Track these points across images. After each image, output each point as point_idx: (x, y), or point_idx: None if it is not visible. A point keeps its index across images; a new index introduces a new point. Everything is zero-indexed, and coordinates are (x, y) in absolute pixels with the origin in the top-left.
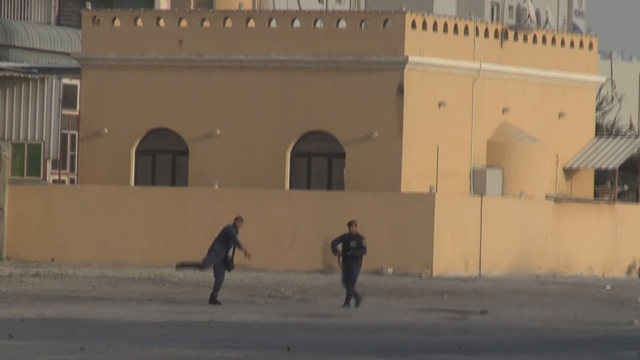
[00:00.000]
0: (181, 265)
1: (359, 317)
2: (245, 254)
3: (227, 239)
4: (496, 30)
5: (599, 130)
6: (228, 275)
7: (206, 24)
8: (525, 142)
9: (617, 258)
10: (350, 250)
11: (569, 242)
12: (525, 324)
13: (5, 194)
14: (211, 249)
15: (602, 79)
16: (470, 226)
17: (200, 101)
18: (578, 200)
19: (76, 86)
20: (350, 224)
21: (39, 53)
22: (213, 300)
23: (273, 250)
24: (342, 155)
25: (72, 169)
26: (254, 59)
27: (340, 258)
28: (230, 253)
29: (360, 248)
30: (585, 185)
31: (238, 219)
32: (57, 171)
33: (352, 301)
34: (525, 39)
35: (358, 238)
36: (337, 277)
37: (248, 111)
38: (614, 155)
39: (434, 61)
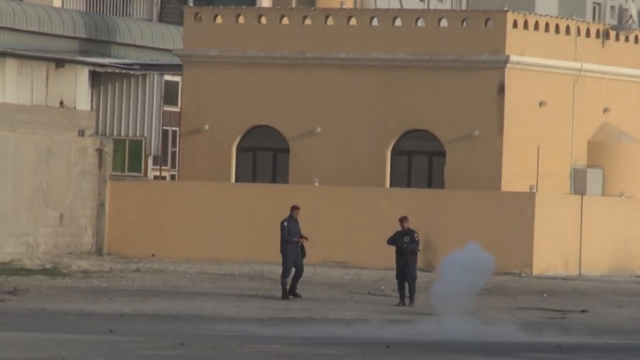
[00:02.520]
0: (286, 293)
1: (461, 315)
2: (303, 239)
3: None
4: (597, 31)
5: None
6: (328, 272)
7: (308, 21)
8: (625, 143)
9: None
10: (405, 245)
11: None
12: (625, 324)
13: (107, 190)
14: (282, 254)
15: None
16: (570, 226)
17: (301, 99)
18: None
19: (177, 83)
20: (402, 219)
21: (140, 49)
22: (293, 291)
23: (373, 248)
24: (443, 154)
25: (172, 165)
26: (355, 57)
27: (396, 252)
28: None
29: (413, 242)
30: None
31: (294, 208)
32: (158, 167)
33: (406, 300)
34: (626, 39)
35: (411, 233)
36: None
37: (349, 109)
38: None
39: (535, 60)
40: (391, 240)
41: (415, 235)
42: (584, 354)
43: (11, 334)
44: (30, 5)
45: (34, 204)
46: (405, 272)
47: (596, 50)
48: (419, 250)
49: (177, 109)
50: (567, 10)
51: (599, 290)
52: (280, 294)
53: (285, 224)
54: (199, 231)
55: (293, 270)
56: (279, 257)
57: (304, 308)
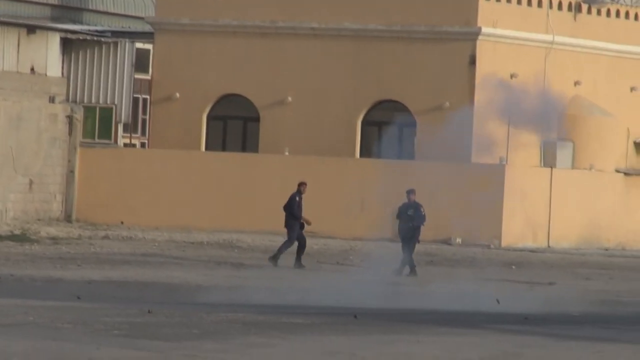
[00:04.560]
0: (274, 258)
1: (428, 286)
2: (306, 221)
3: (289, 208)
4: (570, 3)
5: None
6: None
7: None
8: (596, 116)
9: None
10: (408, 218)
11: (639, 216)
12: (593, 296)
13: (76, 157)
14: (286, 226)
15: None
16: (539, 198)
17: (272, 68)
18: None
19: (149, 50)
20: (409, 192)
21: (112, 17)
22: (299, 263)
23: (342, 218)
24: (413, 125)
25: (143, 133)
26: (326, 27)
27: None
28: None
29: (419, 217)
30: None
31: (302, 184)
32: (128, 135)
33: (403, 269)
34: (598, 12)
35: (416, 206)
36: None
37: (320, 79)
38: None
39: (506, 33)
40: (398, 215)
41: (421, 209)
42: (551, 325)
43: None
44: None
45: (3, 170)
46: (406, 243)
47: (568, 23)
48: (423, 224)
49: (148, 77)
50: None
51: (567, 262)
52: (271, 255)
53: (297, 199)
54: (168, 199)
55: (295, 243)
56: (247, 225)
57: (273, 277)
